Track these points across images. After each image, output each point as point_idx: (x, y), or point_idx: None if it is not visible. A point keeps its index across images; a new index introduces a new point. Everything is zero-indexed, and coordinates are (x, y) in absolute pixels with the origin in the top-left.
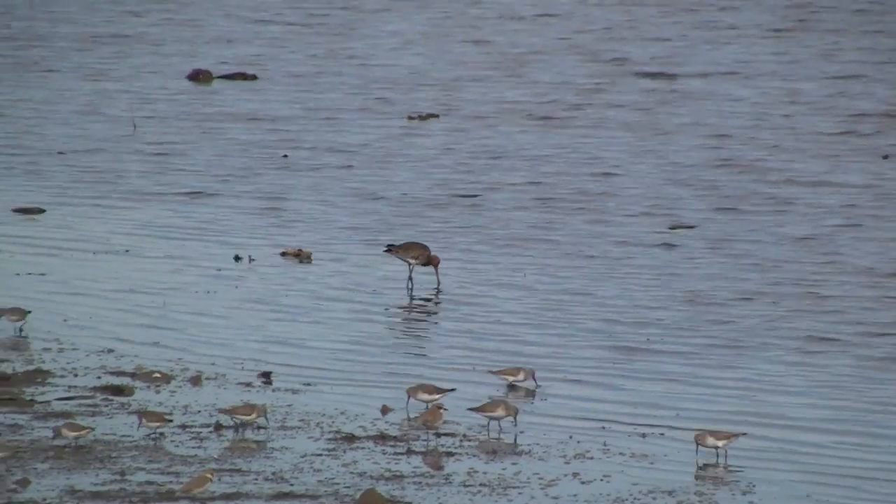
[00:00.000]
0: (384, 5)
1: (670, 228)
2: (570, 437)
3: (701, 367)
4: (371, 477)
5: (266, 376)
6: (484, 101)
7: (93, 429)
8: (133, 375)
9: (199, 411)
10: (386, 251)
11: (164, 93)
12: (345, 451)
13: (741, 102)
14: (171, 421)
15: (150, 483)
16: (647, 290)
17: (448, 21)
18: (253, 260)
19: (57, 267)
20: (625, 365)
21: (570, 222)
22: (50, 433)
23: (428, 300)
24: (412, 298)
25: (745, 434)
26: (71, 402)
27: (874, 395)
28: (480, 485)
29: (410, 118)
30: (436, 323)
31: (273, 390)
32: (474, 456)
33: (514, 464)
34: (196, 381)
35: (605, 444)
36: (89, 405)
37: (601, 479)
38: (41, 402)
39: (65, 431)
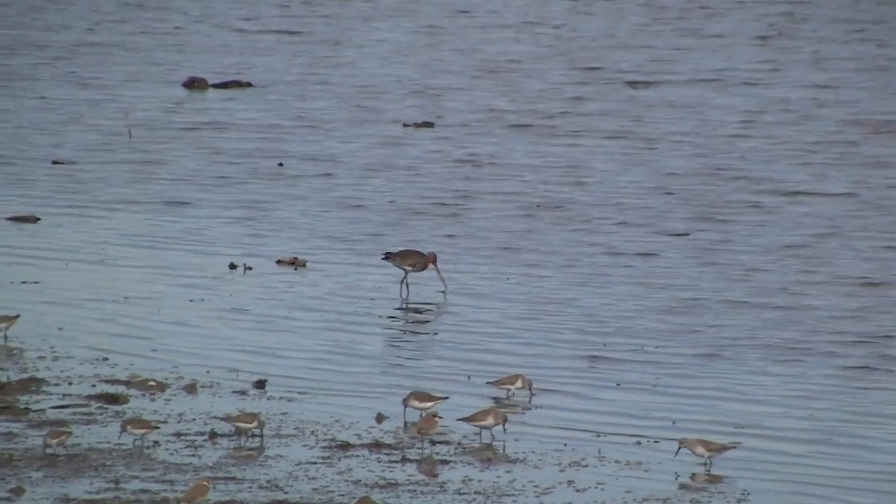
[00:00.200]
0: (369, 14)
1: (678, 234)
2: (565, 445)
3: (693, 377)
4: (366, 485)
5: (261, 384)
6: (472, 109)
7: (70, 432)
8: (128, 384)
9: (194, 419)
10: (384, 258)
11: (159, 100)
12: (340, 459)
13: (726, 110)
14: (156, 428)
15: (144, 491)
16: (635, 298)
17: (436, 30)
18: (248, 268)
19: (51, 275)
20: (618, 374)
21: (553, 231)
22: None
23: (423, 308)
24: (407, 306)
25: (736, 446)
26: (65, 410)
27: (859, 403)
28: (475, 493)
29: (405, 126)
30: (431, 331)
31: (268, 398)
32: (469, 464)
33: (508, 472)
34: (191, 389)
35: (599, 452)
36: (84, 413)
37: (596, 487)
38: (35, 411)
39: (48, 440)
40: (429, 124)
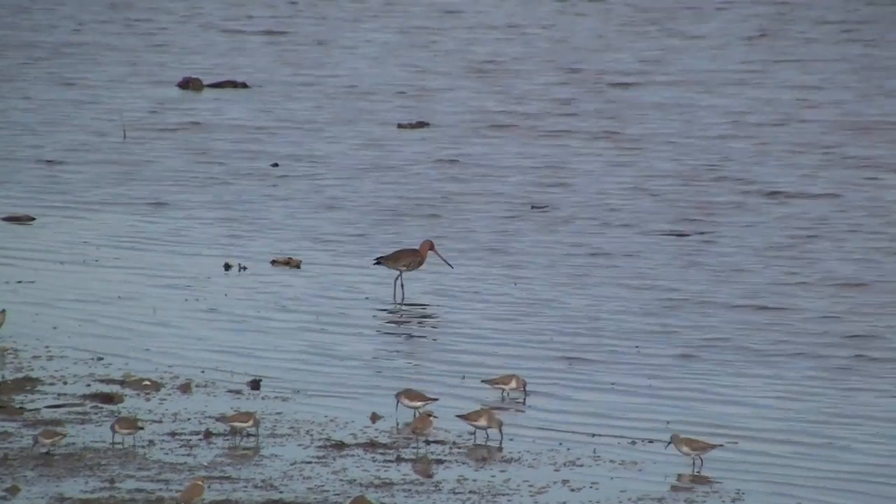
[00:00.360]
0: (358, 15)
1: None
2: (560, 445)
3: (677, 378)
4: (361, 484)
5: (255, 384)
6: (460, 110)
7: (65, 434)
8: (122, 383)
9: (189, 419)
10: (376, 263)
11: (154, 101)
12: (334, 459)
13: (713, 111)
14: (142, 428)
15: (139, 490)
16: (620, 299)
17: (425, 31)
18: (243, 268)
19: (46, 275)
20: (612, 373)
21: (540, 231)
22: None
23: (418, 307)
24: (402, 305)
25: (721, 445)
26: (60, 409)
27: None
28: (470, 492)
29: (401, 127)
30: (427, 330)
31: (262, 398)
32: (464, 463)
33: (503, 471)
34: (185, 388)
35: (594, 452)
36: (79, 413)
37: (590, 487)
38: (31, 410)
39: (41, 439)
40: (424, 124)
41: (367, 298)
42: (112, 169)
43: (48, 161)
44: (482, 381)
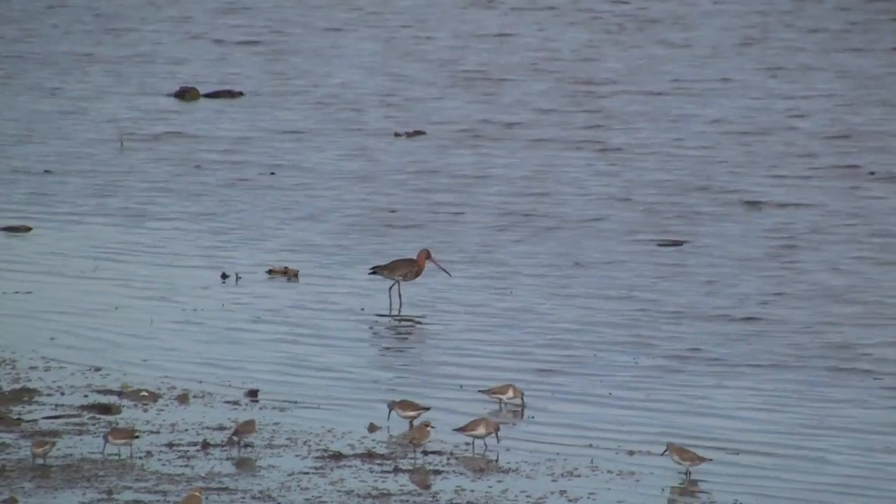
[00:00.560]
0: (346, 24)
1: (659, 245)
2: (558, 455)
3: (688, 386)
4: (358, 495)
5: (253, 394)
6: (448, 120)
7: (55, 442)
8: (120, 394)
9: (187, 430)
10: (371, 273)
11: (151, 111)
12: (332, 469)
13: (697, 120)
14: (137, 437)
15: (137, 502)
16: (605, 311)
17: (413, 41)
18: (240, 278)
19: (43, 285)
20: (611, 384)
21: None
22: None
23: (414, 317)
24: (399, 314)
25: (710, 460)
26: (58, 420)
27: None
28: (467, 502)
29: (397, 135)
30: (423, 340)
31: (260, 408)
32: (461, 474)
33: (500, 482)
34: (183, 399)
35: (592, 462)
36: (76, 424)
37: (588, 497)
38: (28, 421)
39: (34, 449)
40: (420, 133)
41: (363, 309)
42: (109, 179)
43: (46, 171)
44: (479, 391)
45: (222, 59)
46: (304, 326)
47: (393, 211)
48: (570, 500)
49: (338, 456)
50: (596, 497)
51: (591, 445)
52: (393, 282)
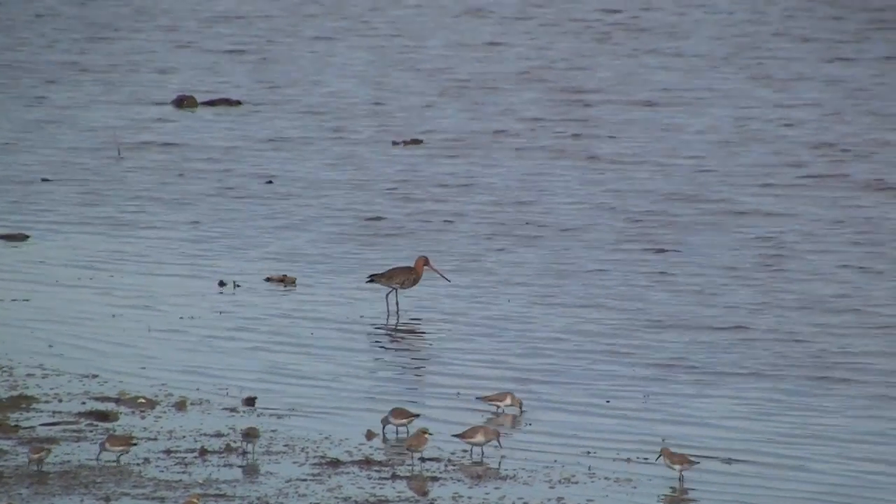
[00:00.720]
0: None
1: (656, 252)
2: (556, 462)
3: (683, 396)
4: (356, 502)
5: (250, 401)
6: (438, 128)
7: (50, 449)
8: (117, 401)
9: (184, 436)
10: (369, 281)
11: (150, 119)
12: (330, 476)
13: (686, 130)
14: (135, 444)
15: None
16: (599, 319)
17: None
18: (238, 286)
19: (41, 293)
20: (609, 390)
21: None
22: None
23: (411, 324)
24: (397, 321)
25: (698, 462)
26: (55, 427)
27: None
28: None
29: (395, 144)
30: (419, 347)
31: (258, 415)
32: (459, 481)
33: (497, 488)
34: (181, 406)
35: (589, 469)
36: (74, 431)
37: None
38: (26, 428)
39: (31, 455)
40: (417, 141)
41: (361, 316)
42: (107, 187)
43: (43, 179)
44: (477, 398)
45: (211, 68)
46: (300, 334)
47: (379, 218)
48: None
49: (335, 463)
50: None
51: (588, 453)
52: (390, 289)
